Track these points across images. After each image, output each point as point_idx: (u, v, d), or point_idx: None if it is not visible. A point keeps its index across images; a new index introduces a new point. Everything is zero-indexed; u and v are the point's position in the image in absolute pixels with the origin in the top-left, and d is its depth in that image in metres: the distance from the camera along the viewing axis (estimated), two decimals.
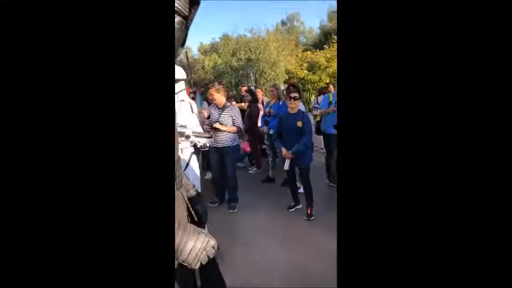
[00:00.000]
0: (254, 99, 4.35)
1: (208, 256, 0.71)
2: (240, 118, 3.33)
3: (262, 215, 3.19)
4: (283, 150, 3.02)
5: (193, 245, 0.67)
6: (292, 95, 3.00)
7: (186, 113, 2.31)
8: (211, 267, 0.95)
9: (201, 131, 2.40)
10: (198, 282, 0.92)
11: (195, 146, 2.08)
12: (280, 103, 4.02)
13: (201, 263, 0.69)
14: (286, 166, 3.05)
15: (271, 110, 4.05)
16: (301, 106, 3.37)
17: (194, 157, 2.21)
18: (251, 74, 9.56)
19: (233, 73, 14.86)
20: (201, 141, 2.09)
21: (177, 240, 0.68)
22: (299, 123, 2.95)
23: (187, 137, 1.89)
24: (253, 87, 6.32)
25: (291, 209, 3.25)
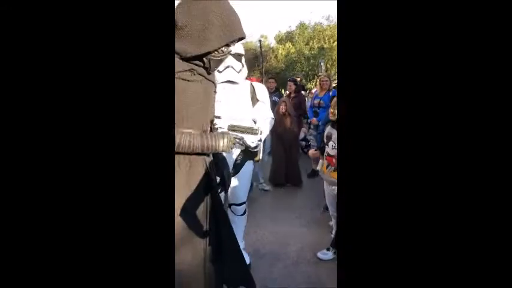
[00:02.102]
0: (298, 89, 4.44)
1: (236, 142, 1.10)
2: None
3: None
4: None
5: (223, 140, 1.03)
6: None
7: (239, 100, 1.67)
8: (241, 267, 1.12)
9: (266, 124, 1.80)
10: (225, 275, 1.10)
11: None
12: (330, 93, 4.01)
13: (231, 148, 1.06)
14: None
15: (321, 101, 4.06)
16: None
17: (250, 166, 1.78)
18: (322, 64, 9.35)
19: (305, 62, 14.76)
20: (250, 140, 1.51)
21: (209, 142, 1.00)
22: None
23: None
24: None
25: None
